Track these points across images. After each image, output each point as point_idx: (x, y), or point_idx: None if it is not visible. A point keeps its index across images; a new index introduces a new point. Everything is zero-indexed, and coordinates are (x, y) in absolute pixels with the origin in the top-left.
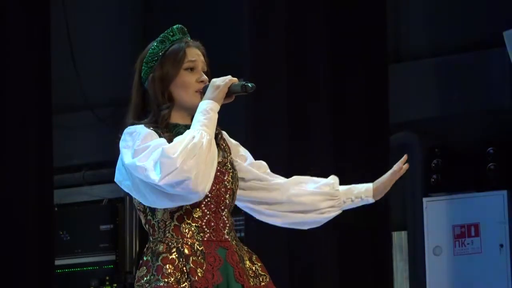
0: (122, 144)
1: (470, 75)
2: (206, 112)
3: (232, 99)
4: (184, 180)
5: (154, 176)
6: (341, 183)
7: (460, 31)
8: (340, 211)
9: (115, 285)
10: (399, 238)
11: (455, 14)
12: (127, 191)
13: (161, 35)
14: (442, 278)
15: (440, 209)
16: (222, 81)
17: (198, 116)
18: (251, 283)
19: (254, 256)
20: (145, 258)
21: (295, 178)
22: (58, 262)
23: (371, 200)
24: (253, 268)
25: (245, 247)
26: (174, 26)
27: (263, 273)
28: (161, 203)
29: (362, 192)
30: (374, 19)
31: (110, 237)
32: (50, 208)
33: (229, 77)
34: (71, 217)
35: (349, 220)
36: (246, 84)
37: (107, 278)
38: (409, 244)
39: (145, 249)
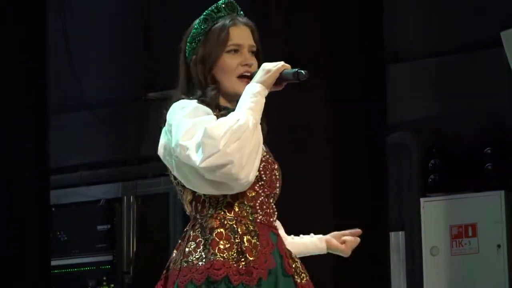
0: (170, 116)
1: (467, 75)
2: (253, 96)
3: (282, 88)
4: (226, 164)
5: (195, 158)
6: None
7: (457, 32)
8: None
9: (112, 285)
10: (397, 238)
11: (452, 14)
12: (168, 167)
13: (205, 12)
14: (439, 278)
15: (437, 209)
16: (274, 66)
17: (245, 99)
18: (298, 280)
19: (293, 253)
20: (192, 233)
21: None
22: (55, 263)
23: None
24: (293, 265)
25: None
26: (220, 1)
27: (303, 271)
28: (203, 189)
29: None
30: (372, 19)
31: (107, 237)
32: (47, 209)
33: (281, 62)
34: (68, 218)
35: (346, 220)
36: (299, 71)
37: (104, 278)
38: (406, 244)
39: (188, 227)
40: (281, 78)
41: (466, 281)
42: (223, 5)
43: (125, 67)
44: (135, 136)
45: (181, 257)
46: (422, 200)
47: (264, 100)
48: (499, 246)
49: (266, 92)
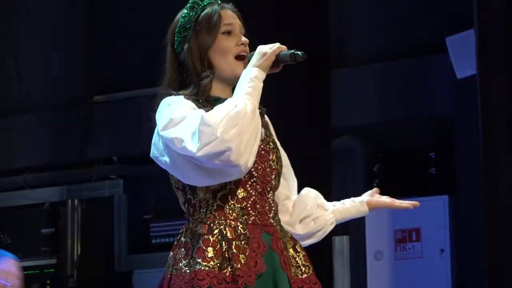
0: (158, 115)
1: (412, 80)
2: (251, 80)
3: (279, 69)
4: (225, 151)
5: (191, 147)
6: None
7: (403, 37)
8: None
9: None
10: (341, 243)
11: (398, 19)
12: (164, 167)
13: (190, 1)
14: (383, 282)
15: (381, 214)
16: (270, 48)
17: (242, 84)
18: (292, 274)
19: (298, 244)
20: (183, 240)
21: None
22: None
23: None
24: (296, 257)
25: (289, 234)
26: None
27: (306, 264)
28: (200, 180)
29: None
30: (317, 24)
31: (51, 241)
32: None
33: (277, 44)
34: (12, 220)
35: None
36: (296, 52)
37: (48, 281)
38: (350, 248)
39: (182, 230)
40: (277, 60)
41: (410, 285)
42: None
43: (71, 69)
44: (80, 139)
45: (173, 264)
46: None
47: (261, 85)
48: (442, 250)
49: (263, 76)
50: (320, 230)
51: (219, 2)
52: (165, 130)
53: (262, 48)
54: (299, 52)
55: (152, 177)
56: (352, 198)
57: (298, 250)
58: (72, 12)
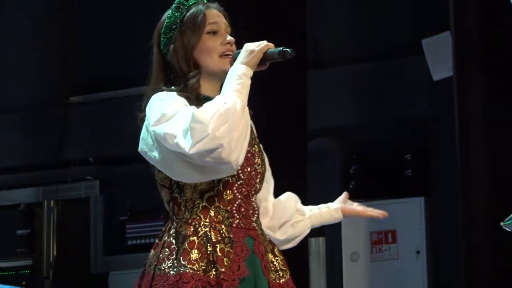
0: (149, 110)
1: (389, 82)
2: (239, 77)
3: (266, 67)
4: (216, 148)
5: (184, 144)
6: None
7: (379, 39)
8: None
9: None
10: (317, 244)
11: (375, 22)
12: (152, 163)
13: (176, 1)
14: (359, 284)
15: None
16: (257, 46)
17: (230, 81)
18: (271, 278)
19: (276, 248)
20: (166, 239)
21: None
22: None
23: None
24: (274, 261)
25: (268, 237)
26: None
27: (284, 268)
28: (191, 177)
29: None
30: (294, 26)
31: (27, 242)
32: None
33: (264, 42)
34: None
35: None
36: (284, 49)
37: (24, 283)
38: (326, 250)
39: (165, 229)
40: (265, 58)
41: (386, 286)
42: None
43: (47, 70)
44: (56, 140)
45: (155, 263)
46: None
47: (250, 82)
48: (418, 252)
49: (251, 73)
50: (298, 236)
51: (204, 1)
52: (157, 125)
53: (249, 46)
54: (288, 49)
55: (128, 178)
56: (327, 204)
57: (277, 254)
58: (49, 11)
